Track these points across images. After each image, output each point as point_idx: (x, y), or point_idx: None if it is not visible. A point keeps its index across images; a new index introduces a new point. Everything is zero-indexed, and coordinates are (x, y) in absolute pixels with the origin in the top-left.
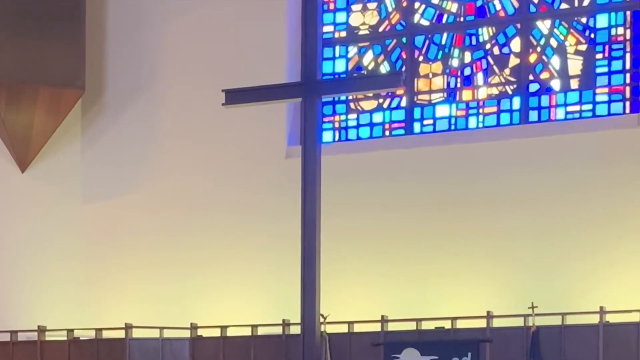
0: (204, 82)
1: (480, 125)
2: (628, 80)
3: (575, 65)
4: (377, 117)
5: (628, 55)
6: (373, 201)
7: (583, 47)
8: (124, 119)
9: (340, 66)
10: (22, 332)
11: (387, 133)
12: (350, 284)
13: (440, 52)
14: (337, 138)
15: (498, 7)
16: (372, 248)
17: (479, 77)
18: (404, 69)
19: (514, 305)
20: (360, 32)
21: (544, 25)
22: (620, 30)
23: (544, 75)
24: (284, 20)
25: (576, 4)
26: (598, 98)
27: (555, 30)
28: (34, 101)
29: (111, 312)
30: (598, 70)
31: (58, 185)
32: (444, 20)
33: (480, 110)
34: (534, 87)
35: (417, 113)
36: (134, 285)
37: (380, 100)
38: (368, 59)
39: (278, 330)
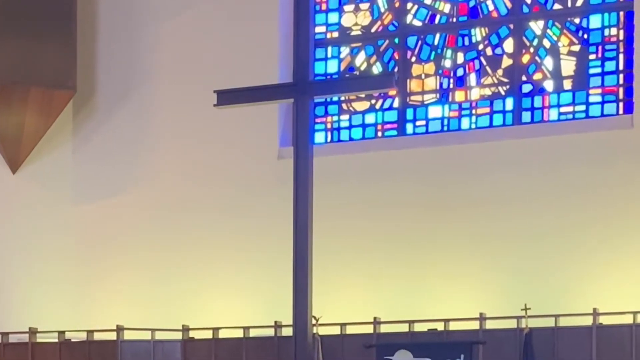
0: (195, 83)
1: (473, 126)
2: (621, 81)
3: (568, 66)
4: (370, 118)
5: (621, 56)
6: (365, 202)
7: (576, 48)
8: (116, 119)
9: (332, 67)
10: (13, 334)
11: (379, 134)
12: (343, 286)
13: (433, 53)
14: (329, 139)
15: (491, 7)
16: (365, 249)
17: (472, 78)
18: (396, 69)
19: (507, 307)
20: (353, 33)
21: (537, 26)
22: (614, 30)
23: (537, 76)
24: (276, 20)
25: (569, 4)
26: (591, 99)
27: (548, 30)
28: (25, 102)
29: (102, 314)
30: (591, 71)
31: (49, 186)
32: (436, 21)
33: (473, 111)
34: (527, 88)
35: (409, 114)
36: (126, 287)
37: (373, 101)
38: (360, 59)
39: (270, 332)
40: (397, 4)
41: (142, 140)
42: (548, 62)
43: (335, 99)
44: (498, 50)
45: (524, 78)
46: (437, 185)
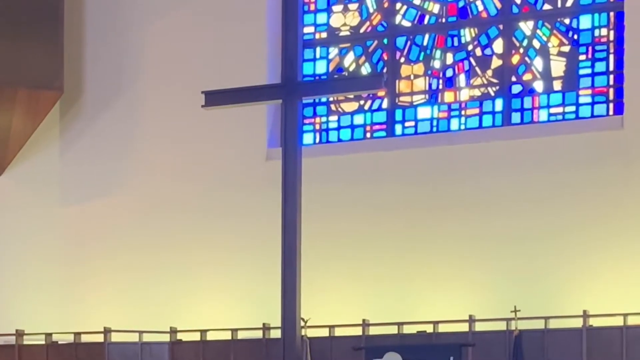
0: (183, 84)
1: (463, 127)
2: (611, 82)
3: (558, 67)
4: (358, 119)
5: (612, 57)
6: (354, 204)
7: (566, 49)
8: (103, 120)
9: (321, 67)
10: None
11: (368, 135)
12: (331, 288)
13: (422, 54)
14: (317, 140)
15: (480, 8)
16: (354, 251)
17: (461, 79)
18: (385, 70)
19: (497, 309)
20: (341, 33)
21: (526, 27)
22: (604, 31)
23: (527, 77)
24: (265, 21)
25: (559, 4)
26: (581, 100)
27: (538, 31)
28: (12, 103)
29: (90, 316)
30: (581, 71)
31: (36, 187)
32: (425, 21)
33: (463, 112)
34: (516, 89)
35: (398, 115)
36: (113, 289)
37: (362, 102)
38: (349, 60)
39: (258, 334)
40: (386, 5)
41: (129, 142)
42: (538, 63)
43: (323, 99)
44: (487, 51)
45: (513, 79)
46: (426, 187)
